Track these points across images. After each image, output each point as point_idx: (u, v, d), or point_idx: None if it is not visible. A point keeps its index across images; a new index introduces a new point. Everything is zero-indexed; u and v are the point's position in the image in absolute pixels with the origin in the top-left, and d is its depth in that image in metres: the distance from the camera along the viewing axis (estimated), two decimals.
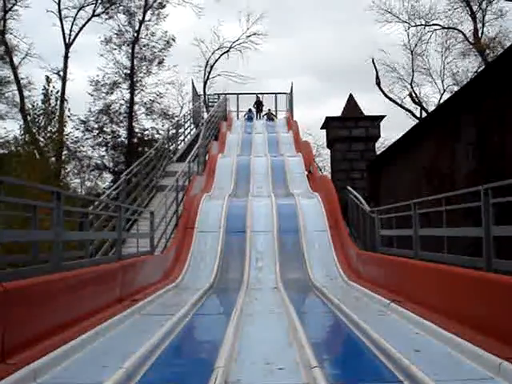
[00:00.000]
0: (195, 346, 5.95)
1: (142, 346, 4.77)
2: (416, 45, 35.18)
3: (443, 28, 34.29)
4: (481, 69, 24.33)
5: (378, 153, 19.86)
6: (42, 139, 21.59)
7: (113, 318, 6.13)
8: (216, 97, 33.71)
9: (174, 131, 22.83)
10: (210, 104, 33.32)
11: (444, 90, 35.47)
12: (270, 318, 6.96)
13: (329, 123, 19.85)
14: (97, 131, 33.94)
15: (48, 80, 22.30)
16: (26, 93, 31.98)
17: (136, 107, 34.98)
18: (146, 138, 34.48)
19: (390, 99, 35.50)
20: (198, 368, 4.81)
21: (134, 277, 8.18)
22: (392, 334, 5.45)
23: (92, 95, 34.16)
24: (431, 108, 32.62)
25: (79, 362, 4.57)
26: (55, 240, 5.96)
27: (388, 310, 7.09)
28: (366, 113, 21.15)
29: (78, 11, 33.59)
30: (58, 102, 23.49)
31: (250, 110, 30.79)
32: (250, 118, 29.60)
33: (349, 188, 14.53)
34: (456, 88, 29.63)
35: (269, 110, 30.62)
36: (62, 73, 32.87)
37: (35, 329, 4.61)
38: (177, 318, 6.44)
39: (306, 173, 17.72)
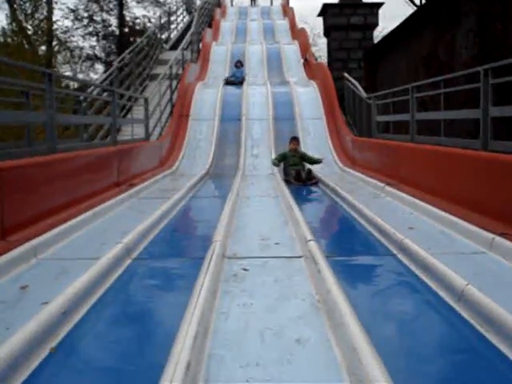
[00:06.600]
0: (192, 224, 6.03)
1: (140, 225, 4.82)
2: None
3: None
4: None
5: (376, 42, 19.37)
6: (29, 27, 20.94)
7: (110, 200, 6.18)
8: None
9: (165, 19, 22.08)
10: None
11: None
12: (266, 201, 7.03)
13: (326, 10, 19.21)
14: (87, 20, 32.91)
15: None
16: None
17: None
18: (137, 28, 33.49)
19: None
20: (195, 242, 4.92)
21: (131, 162, 8.17)
22: (386, 213, 5.51)
23: None
24: None
25: (78, 239, 4.62)
26: (49, 122, 5.89)
27: (383, 192, 7.17)
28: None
29: None
30: None
31: (239, 63, 16.11)
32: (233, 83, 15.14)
33: (345, 75, 14.28)
34: None
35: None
36: None
37: (34, 208, 4.63)
38: (174, 200, 6.50)
39: (302, 61, 17.35)
